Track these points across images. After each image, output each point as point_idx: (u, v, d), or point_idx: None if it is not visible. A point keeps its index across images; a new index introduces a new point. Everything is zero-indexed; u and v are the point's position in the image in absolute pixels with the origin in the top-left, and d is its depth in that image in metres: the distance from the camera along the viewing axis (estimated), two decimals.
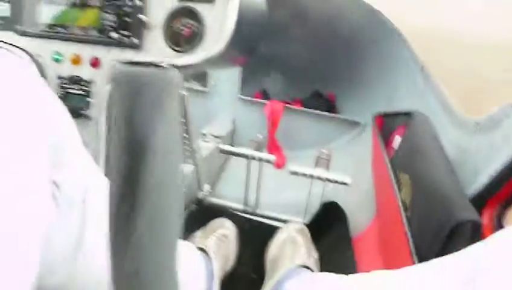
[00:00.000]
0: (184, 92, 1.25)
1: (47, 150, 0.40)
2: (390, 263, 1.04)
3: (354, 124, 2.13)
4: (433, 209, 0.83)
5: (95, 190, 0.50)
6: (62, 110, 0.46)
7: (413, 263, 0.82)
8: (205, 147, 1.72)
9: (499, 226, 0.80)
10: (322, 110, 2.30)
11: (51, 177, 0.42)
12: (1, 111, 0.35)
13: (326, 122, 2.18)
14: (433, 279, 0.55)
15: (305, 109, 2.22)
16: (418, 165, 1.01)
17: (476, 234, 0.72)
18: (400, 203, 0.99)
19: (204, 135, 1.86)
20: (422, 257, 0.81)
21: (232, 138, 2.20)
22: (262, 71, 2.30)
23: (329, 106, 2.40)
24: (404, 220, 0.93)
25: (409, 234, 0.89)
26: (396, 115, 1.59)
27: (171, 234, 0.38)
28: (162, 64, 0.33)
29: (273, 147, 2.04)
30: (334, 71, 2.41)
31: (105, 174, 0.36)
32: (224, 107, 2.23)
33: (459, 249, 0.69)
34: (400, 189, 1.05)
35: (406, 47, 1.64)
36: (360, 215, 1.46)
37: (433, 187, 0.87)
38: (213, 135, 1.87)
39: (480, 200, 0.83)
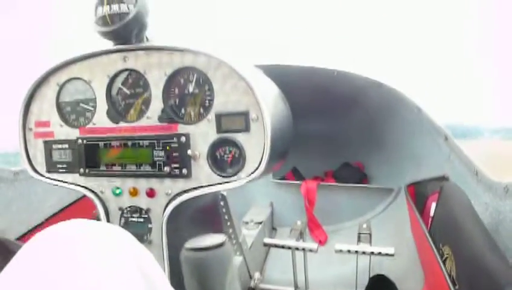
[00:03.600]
0: (224, 193, 1.36)
1: None
2: None
3: (387, 191, 2.19)
4: (480, 283, 0.87)
5: None
6: (151, 258, 0.56)
7: None
8: (249, 234, 1.81)
9: None
10: (353, 179, 2.39)
11: None
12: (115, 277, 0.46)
13: (361, 193, 2.25)
14: None
15: (339, 184, 2.31)
16: (457, 237, 1.06)
17: None
18: (447, 277, 1.04)
19: (247, 223, 1.96)
20: None
21: (272, 220, 2.28)
22: (291, 149, 2.44)
23: (360, 175, 2.48)
24: None
25: None
26: (427, 181, 1.65)
27: None
28: (220, 243, 0.45)
29: (313, 225, 2.11)
30: (361, 141, 2.51)
31: None
32: (260, 193, 2.33)
33: None
34: (444, 261, 1.10)
35: (427, 119, 1.74)
36: (409, 284, 1.48)
37: (476, 260, 0.92)
38: (255, 222, 1.96)
39: None
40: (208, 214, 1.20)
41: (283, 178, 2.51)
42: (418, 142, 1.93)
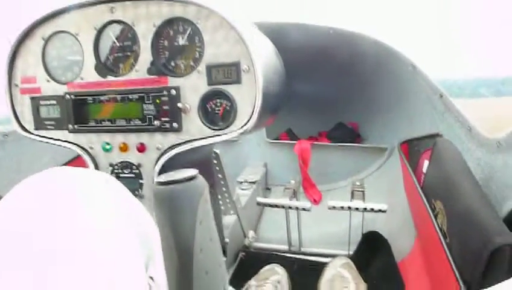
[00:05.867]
0: (217, 151, 1.36)
1: (142, 249, 0.50)
2: (437, 287, 1.09)
3: (381, 150, 2.20)
4: (470, 236, 0.88)
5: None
6: (141, 206, 0.56)
7: (459, 288, 0.87)
8: (243, 194, 1.82)
9: None
10: (347, 140, 2.39)
11: (148, 273, 0.51)
12: (106, 222, 0.45)
13: (354, 152, 2.26)
14: None
15: (332, 144, 2.31)
16: (449, 192, 1.07)
17: None
18: (439, 231, 1.05)
19: (241, 183, 1.97)
20: (467, 282, 0.86)
21: (266, 180, 2.30)
22: (285, 110, 2.43)
23: (354, 135, 2.48)
24: (445, 247, 0.99)
25: (451, 260, 0.94)
26: (420, 139, 1.66)
27: None
28: (191, 176, 0.44)
29: (307, 184, 2.12)
30: (355, 101, 2.50)
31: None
32: (254, 153, 2.34)
33: (501, 271, 0.75)
34: (435, 216, 1.11)
35: (422, 77, 1.72)
36: (401, 240, 1.51)
37: (467, 213, 0.93)
38: (249, 182, 1.97)
39: None
40: (201, 172, 1.20)
41: (277, 139, 2.51)
42: (412, 101, 1.92)
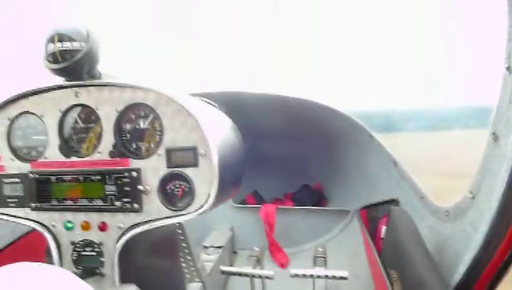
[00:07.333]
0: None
1: None
2: None
3: (344, 212, 2.26)
4: None
5: None
6: None
7: None
8: (209, 259, 1.82)
9: None
10: (311, 201, 2.45)
11: None
12: None
13: (318, 215, 2.31)
14: None
15: (296, 207, 2.37)
16: (402, 262, 1.12)
17: None
18: None
19: (206, 247, 1.97)
20: None
21: (232, 244, 2.30)
22: (251, 172, 2.48)
23: (318, 197, 2.55)
24: None
25: None
26: (378, 205, 1.73)
27: None
28: None
29: (274, 249, 2.14)
30: (320, 163, 2.59)
31: None
32: (220, 217, 2.36)
33: None
34: (392, 284, 1.16)
35: (379, 146, 1.83)
36: None
37: (418, 284, 0.98)
38: (215, 246, 1.98)
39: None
40: (165, 242, 1.21)
41: (243, 201, 2.54)
42: (371, 167, 2.01)
